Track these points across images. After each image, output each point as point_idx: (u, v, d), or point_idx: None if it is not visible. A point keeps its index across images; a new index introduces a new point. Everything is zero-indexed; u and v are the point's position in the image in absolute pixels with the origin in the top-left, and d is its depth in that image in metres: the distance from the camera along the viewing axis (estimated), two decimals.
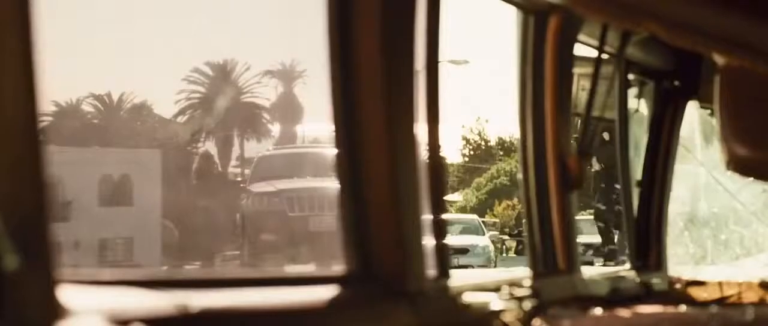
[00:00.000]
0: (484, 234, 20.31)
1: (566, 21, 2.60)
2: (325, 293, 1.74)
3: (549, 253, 2.58)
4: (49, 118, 23.48)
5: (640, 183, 3.31)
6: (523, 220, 2.67)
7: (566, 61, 2.64)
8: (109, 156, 20.27)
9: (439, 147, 2.15)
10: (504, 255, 23.80)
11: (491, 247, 19.88)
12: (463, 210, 31.08)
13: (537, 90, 2.58)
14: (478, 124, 40.48)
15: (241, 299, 1.51)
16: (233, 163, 22.99)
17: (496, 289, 2.16)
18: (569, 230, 2.61)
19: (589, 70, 2.88)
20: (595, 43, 2.70)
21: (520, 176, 2.64)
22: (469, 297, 2.05)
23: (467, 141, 40.10)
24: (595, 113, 3.28)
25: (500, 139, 39.22)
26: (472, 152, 39.72)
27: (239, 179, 16.19)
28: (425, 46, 2.11)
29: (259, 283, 1.70)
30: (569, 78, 2.66)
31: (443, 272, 2.10)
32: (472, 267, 18.00)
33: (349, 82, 1.85)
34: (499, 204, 31.90)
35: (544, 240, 2.58)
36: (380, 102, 1.87)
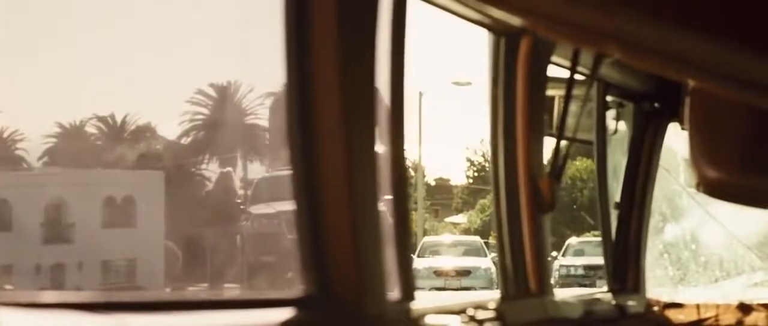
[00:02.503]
0: (486, 256, 20.28)
1: (538, 43, 2.59)
2: (280, 316, 1.73)
3: (520, 276, 2.57)
4: (53, 140, 23.43)
5: (618, 205, 3.30)
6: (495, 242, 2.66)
7: (538, 82, 2.63)
8: (112, 177, 20.26)
9: (403, 167, 2.15)
10: None
11: (493, 269, 19.83)
12: (467, 231, 31.05)
13: (508, 112, 2.57)
14: (482, 146, 40.47)
15: (184, 322, 1.50)
16: (236, 184, 22.97)
17: (461, 312, 2.15)
18: (541, 252, 2.60)
19: (561, 92, 2.87)
20: (569, 64, 2.70)
21: (491, 198, 2.63)
22: (430, 320, 2.04)
23: (471, 162, 40.07)
24: (576, 135, 3.28)
25: None
26: (476, 174, 39.69)
27: (239, 201, 16.17)
28: (390, 67, 2.10)
29: (211, 306, 1.69)
30: (541, 99, 2.66)
31: (407, 294, 2.09)
32: (475, 288, 17.97)
33: (307, 104, 1.84)
34: None
35: (516, 262, 2.57)
36: (338, 124, 1.86)
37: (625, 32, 1.83)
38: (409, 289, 2.09)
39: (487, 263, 19.65)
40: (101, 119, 23.63)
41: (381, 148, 2.14)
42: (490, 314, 2.17)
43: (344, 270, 1.87)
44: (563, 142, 2.65)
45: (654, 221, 3.41)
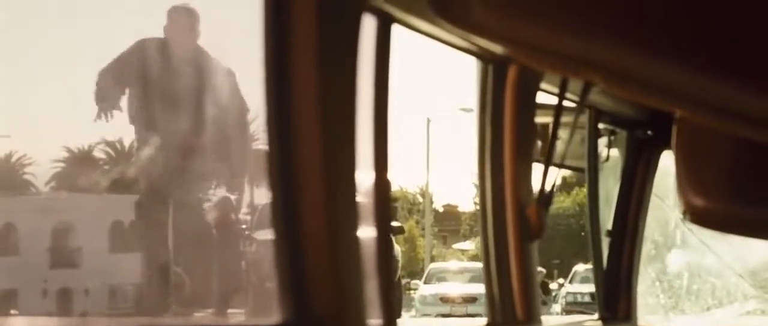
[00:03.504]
0: None
1: (526, 70, 2.59)
2: None
3: (507, 303, 2.57)
4: (61, 164, 23.48)
5: (610, 233, 3.30)
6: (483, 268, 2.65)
7: (527, 109, 2.63)
8: (120, 202, 20.24)
9: (387, 192, 2.15)
10: None
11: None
12: (474, 258, 31.01)
13: (496, 139, 2.57)
14: None
15: None
16: (244, 210, 22.96)
17: None
18: (528, 280, 2.59)
19: (565, 119, 2.88)
20: (557, 90, 2.70)
21: (479, 225, 2.63)
22: None
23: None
24: (569, 162, 3.28)
25: None
26: None
27: (244, 226, 16.18)
28: (373, 88, 2.11)
29: None
30: (530, 126, 2.66)
31: (389, 320, 2.09)
32: (481, 315, 17.90)
33: (285, 128, 1.85)
34: None
35: (503, 290, 2.57)
36: (318, 150, 1.86)
37: (607, 61, 1.83)
38: (390, 315, 2.09)
39: None
40: (109, 144, 23.64)
41: (364, 172, 2.14)
42: None
43: (324, 295, 1.87)
44: (552, 169, 2.65)
45: (646, 249, 3.41)
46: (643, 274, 3.37)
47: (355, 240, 1.95)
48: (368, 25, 2.17)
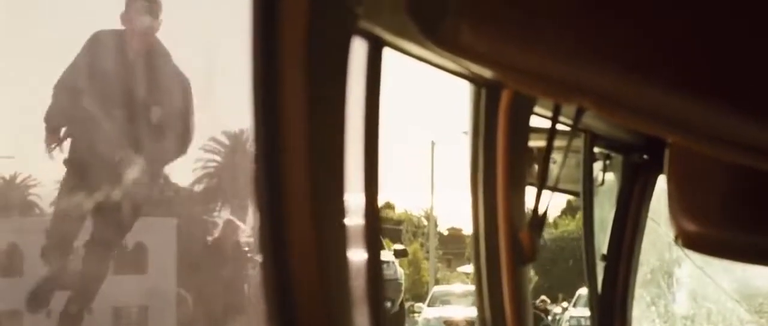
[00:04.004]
0: None
1: (520, 93, 2.59)
2: None
3: None
4: None
5: (605, 257, 3.29)
6: (476, 293, 2.64)
7: (520, 133, 2.63)
8: None
9: (376, 216, 2.15)
10: None
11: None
12: None
13: (488, 162, 2.57)
14: None
15: None
16: (248, 232, 23.00)
17: None
18: (521, 305, 2.59)
19: (560, 142, 2.87)
20: (551, 114, 2.70)
21: (471, 249, 2.62)
22: None
23: None
24: (565, 186, 3.27)
25: None
26: None
27: (247, 249, 16.21)
28: (364, 112, 2.11)
29: None
30: (523, 150, 2.65)
31: None
32: None
33: (274, 151, 1.85)
34: None
35: (495, 315, 2.56)
36: (306, 171, 1.86)
37: (598, 86, 1.83)
38: None
39: None
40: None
41: (355, 196, 2.14)
42: None
43: (312, 318, 1.87)
44: (546, 193, 2.64)
45: (642, 272, 3.40)
46: (639, 298, 3.36)
47: (344, 263, 1.94)
48: (359, 48, 2.17)
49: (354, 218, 2.14)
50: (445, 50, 2.04)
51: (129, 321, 18.84)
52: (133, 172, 12.19)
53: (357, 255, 2.14)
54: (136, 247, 20.16)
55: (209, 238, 16.44)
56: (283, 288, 1.84)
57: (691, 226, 2.34)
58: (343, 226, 1.93)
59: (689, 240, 2.35)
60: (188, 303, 17.80)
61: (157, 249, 19.34)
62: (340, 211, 1.92)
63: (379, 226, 2.17)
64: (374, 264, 2.14)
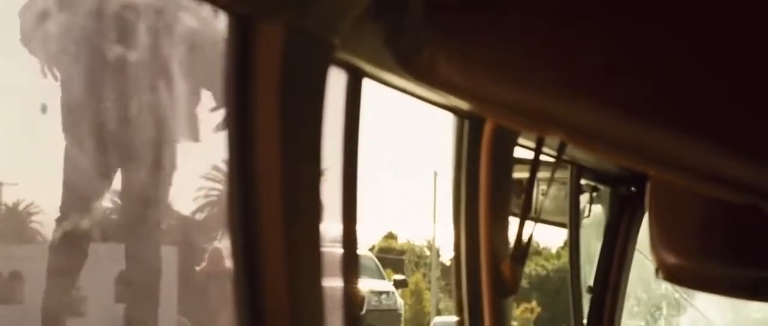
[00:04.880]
0: None
1: (503, 125, 2.60)
2: None
3: None
4: None
5: (591, 289, 3.29)
6: None
7: (503, 164, 2.63)
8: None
9: (354, 246, 2.15)
10: None
11: None
12: None
13: (471, 194, 2.57)
14: None
15: None
16: None
17: None
18: None
19: (546, 174, 2.88)
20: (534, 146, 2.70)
21: (448, 280, 2.62)
22: None
23: None
24: (550, 218, 3.28)
25: None
26: None
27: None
28: (343, 143, 2.12)
29: None
30: (506, 182, 2.66)
31: None
32: None
33: (248, 183, 1.85)
34: (518, 307, 31.69)
35: None
36: (279, 202, 1.87)
37: (572, 119, 1.84)
38: None
39: None
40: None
41: (333, 227, 2.15)
42: None
43: None
44: (529, 225, 2.64)
45: (629, 305, 3.40)
46: None
47: (319, 292, 1.95)
48: (339, 79, 2.19)
49: (332, 250, 2.15)
50: (422, 82, 2.04)
51: None
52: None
53: (334, 283, 2.14)
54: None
55: (197, 267, 16.44)
56: (255, 315, 1.84)
57: (671, 259, 2.35)
58: (317, 256, 1.94)
59: (669, 273, 2.36)
60: None
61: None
62: (313, 241, 1.93)
63: (356, 255, 2.18)
64: (350, 291, 2.14)
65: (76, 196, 12.08)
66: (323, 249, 1.97)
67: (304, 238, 1.90)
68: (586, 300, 3.35)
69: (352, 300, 2.11)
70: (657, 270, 2.31)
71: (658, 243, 2.29)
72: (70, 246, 12.17)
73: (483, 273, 2.57)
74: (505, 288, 2.58)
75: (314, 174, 1.94)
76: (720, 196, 2.06)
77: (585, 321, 3.27)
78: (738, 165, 1.78)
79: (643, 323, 4.01)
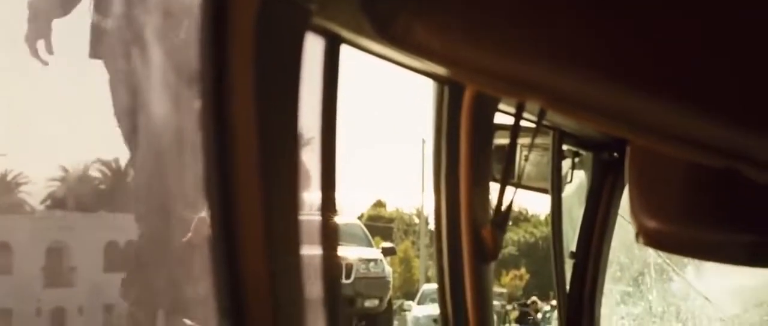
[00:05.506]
0: None
1: (483, 91, 2.59)
2: None
3: (462, 324, 2.55)
4: (56, 183, 23.39)
5: (574, 254, 3.29)
6: (439, 291, 2.64)
7: (484, 130, 2.62)
8: (115, 221, 20.23)
9: (333, 215, 2.14)
10: (506, 325, 23.72)
11: (495, 317, 19.78)
12: None
13: (451, 160, 2.56)
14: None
15: None
16: None
17: None
18: (483, 302, 2.58)
19: (528, 140, 2.87)
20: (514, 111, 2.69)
21: (433, 246, 2.62)
22: None
23: None
24: (533, 184, 3.27)
25: None
26: None
27: None
28: (321, 110, 2.11)
29: None
30: (487, 148, 2.65)
31: None
32: None
33: (223, 154, 1.84)
34: (507, 274, 31.77)
35: (457, 312, 2.56)
36: (256, 172, 1.86)
37: (550, 84, 1.82)
38: None
39: None
40: (105, 163, 23.64)
41: (312, 194, 2.14)
42: None
43: (262, 319, 1.86)
44: (510, 190, 2.64)
45: (611, 270, 3.40)
46: (608, 296, 3.35)
47: (296, 261, 1.94)
48: (316, 45, 2.17)
49: (311, 216, 2.14)
50: (399, 48, 2.03)
51: (120, 319, 18.85)
52: None
53: (313, 253, 2.13)
54: (127, 245, 20.17)
55: (184, 238, 16.42)
56: (232, 286, 1.83)
57: (651, 223, 2.34)
58: (295, 224, 1.93)
59: (650, 238, 2.35)
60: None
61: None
62: (292, 209, 1.92)
63: (336, 224, 2.17)
64: (331, 262, 2.13)
65: None
66: (302, 217, 1.96)
67: (283, 205, 1.89)
68: (569, 266, 3.35)
69: (332, 268, 2.10)
70: (637, 235, 2.30)
71: (637, 207, 2.28)
72: None
73: (463, 239, 2.56)
74: (486, 253, 2.58)
75: (292, 142, 1.92)
76: (698, 160, 2.05)
77: (568, 286, 3.27)
78: (714, 128, 1.77)
79: (629, 288, 4.02)
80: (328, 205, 2.14)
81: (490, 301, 2.62)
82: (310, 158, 2.16)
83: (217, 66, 1.82)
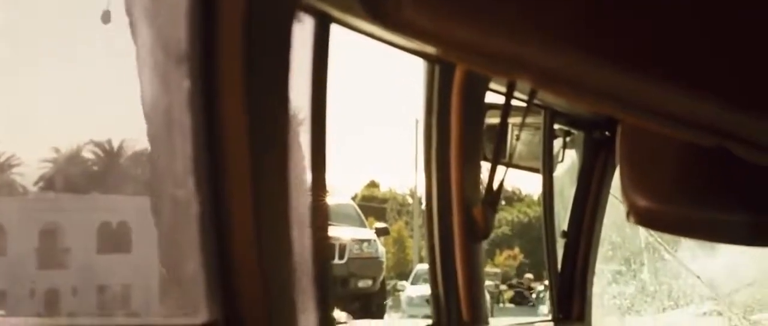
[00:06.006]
0: None
1: (474, 70, 2.58)
2: None
3: (453, 304, 2.56)
4: (49, 164, 23.37)
5: (565, 234, 3.29)
6: (429, 269, 2.64)
7: (474, 109, 2.62)
8: (108, 203, 20.19)
9: (324, 192, 2.14)
10: (501, 305, 23.74)
11: (488, 297, 19.84)
12: None
13: (442, 139, 2.57)
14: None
15: None
16: None
17: None
18: (475, 280, 2.59)
19: (518, 119, 2.87)
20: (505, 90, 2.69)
21: (424, 225, 2.62)
22: None
23: None
24: (525, 163, 3.27)
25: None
26: None
27: None
28: (311, 89, 2.10)
29: None
30: (478, 127, 2.65)
31: (325, 323, 2.08)
32: None
33: (213, 130, 1.84)
34: (501, 254, 31.79)
35: (448, 290, 2.56)
36: (246, 149, 1.85)
37: (538, 63, 1.82)
38: (326, 320, 2.07)
39: None
40: (98, 144, 23.61)
41: (303, 174, 2.13)
42: None
43: (252, 297, 1.86)
44: (501, 169, 2.64)
45: (603, 250, 3.40)
46: (600, 275, 3.35)
47: (285, 241, 1.93)
48: (307, 24, 2.17)
49: (301, 197, 2.14)
50: (388, 27, 2.02)
51: (113, 300, 18.81)
52: None
53: (304, 233, 2.13)
54: (119, 226, 20.13)
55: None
56: (222, 266, 1.83)
57: (641, 202, 2.33)
58: (285, 204, 1.92)
59: (640, 216, 2.35)
60: (172, 282, 17.77)
61: (141, 228, 19.28)
62: (281, 187, 1.91)
63: (326, 203, 2.17)
64: (321, 241, 2.13)
65: None
66: (292, 197, 1.96)
67: (272, 184, 1.89)
68: (561, 245, 3.35)
69: (322, 247, 2.10)
70: (628, 214, 2.30)
71: (628, 186, 2.28)
72: None
73: (454, 218, 2.56)
74: (477, 232, 2.58)
75: (281, 120, 1.92)
76: (687, 138, 2.05)
77: (559, 266, 3.27)
78: (703, 106, 1.77)
79: (621, 268, 4.02)
80: (318, 184, 2.13)
81: (481, 280, 2.63)
82: (298, 136, 2.17)
83: (206, 45, 1.82)
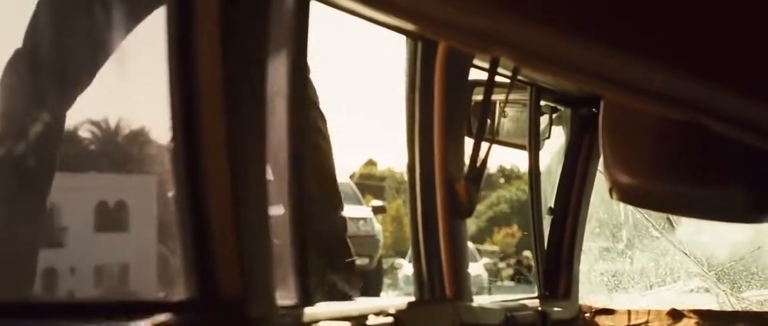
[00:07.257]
0: (477, 262, 20.30)
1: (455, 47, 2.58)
2: (158, 320, 1.72)
3: (436, 281, 2.56)
4: None
5: (552, 211, 3.28)
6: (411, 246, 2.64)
7: (458, 86, 2.61)
8: (105, 182, 20.15)
9: (302, 166, 2.13)
10: (499, 282, 23.75)
11: (485, 275, 19.84)
12: None
13: (425, 116, 2.56)
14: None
15: None
16: None
17: (361, 317, 2.14)
18: (458, 257, 2.58)
19: (502, 96, 2.86)
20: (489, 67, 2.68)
21: (407, 202, 2.61)
22: None
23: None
24: (513, 140, 3.26)
25: (501, 166, 39.19)
26: None
27: None
28: (290, 66, 2.10)
29: (84, 311, 1.68)
30: (461, 103, 2.64)
31: (304, 299, 2.08)
32: None
33: (189, 106, 1.83)
34: (499, 232, 31.80)
35: (430, 267, 2.56)
36: (222, 124, 1.85)
37: (515, 38, 1.81)
38: (306, 295, 2.07)
39: (478, 269, 19.63)
40: (94, 123, 23.54)
41: (282, 146, 2.13)
42: (389, 320, 2.15)
43: (229, 273, 1.85)
44: (485, 146, 2.63)
45: (590, 226, 3.39)
46: (587, 252, 3.35)
47: (263, 218, 1.93)
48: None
49: (279, 173, 2.13)
50: (366, 3, 2.02)
51: (111, 279, 18.80)
52: None
53: (281, 211, 2.13)
54: (117, 205, 20.07)
55: (170, 194, 16.36)
56: (199, 244, 1.83)
57: (624, 178, 2.33)
58: (262, 182, 1.92)
59: (622, 193, 2.34)
60: (170, 261, 17.75)
61: (138, 207, 19.22)
62: (259, 162, 1.91)
63: (304, 179, 2.16)
64: (300, 220, 2.13)
65: None
66: (269, 174, 1.95)
67: (249, 160, 1.89)
68: (547, 222, 3.35)
69: (300, 221, 2.10)
70: (610, 191, 2.29)
71: (610, 162, 2.27)
72: None
73: (437, 195, 2.56)
74: (461, 209, 2.57)
75: (258, 96, 1.91)
76: (664, 113, 2.05)
77: (546, 243, 3.26)
78: (675, 80, 1.77)
79: (608, 244, 4.01)
80: (295, 158, 2.13)
81: (465, 257, 2.62)
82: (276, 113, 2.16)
83: (182, 22, 1.81)
